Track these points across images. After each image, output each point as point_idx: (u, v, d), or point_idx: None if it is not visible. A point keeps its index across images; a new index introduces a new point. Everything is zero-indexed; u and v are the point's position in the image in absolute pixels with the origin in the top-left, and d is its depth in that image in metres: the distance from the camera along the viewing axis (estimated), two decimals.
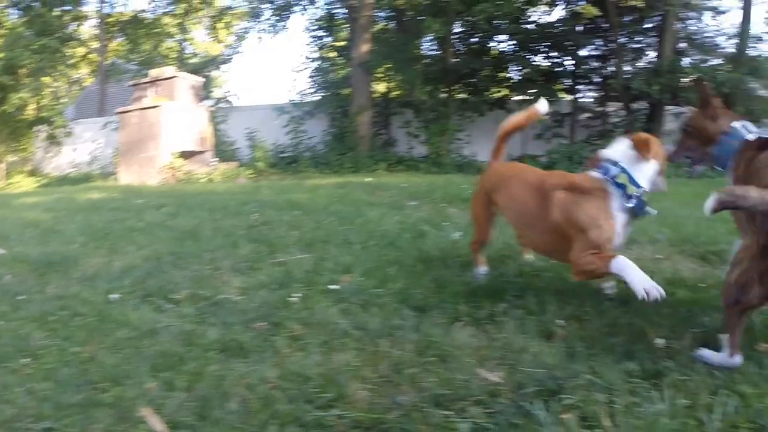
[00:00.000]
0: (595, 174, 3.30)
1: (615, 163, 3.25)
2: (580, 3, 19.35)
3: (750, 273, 2.41)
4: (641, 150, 3.23)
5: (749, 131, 3.03)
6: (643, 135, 3.33)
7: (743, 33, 21.13)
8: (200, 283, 4.05)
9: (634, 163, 3.24)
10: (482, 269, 4.04)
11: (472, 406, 2.21)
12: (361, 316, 3.18)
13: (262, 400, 2.33)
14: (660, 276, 3.75)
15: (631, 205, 3.18)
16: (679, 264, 4.40)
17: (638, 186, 3.19)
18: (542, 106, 3.93)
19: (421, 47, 22.59)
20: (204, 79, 19.41)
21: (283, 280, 3.98)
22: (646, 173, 3.26)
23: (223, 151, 19.74)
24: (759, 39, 22.91)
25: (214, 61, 30.45)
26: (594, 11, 19.17)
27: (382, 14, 24.05)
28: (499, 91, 22.68)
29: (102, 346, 3.00)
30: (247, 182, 14.36)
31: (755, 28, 24.24)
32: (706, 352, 2.57)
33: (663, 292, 2.76)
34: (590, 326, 3.00)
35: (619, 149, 3.35)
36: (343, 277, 3.97)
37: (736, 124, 3.07)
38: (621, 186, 3.18)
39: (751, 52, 21.42)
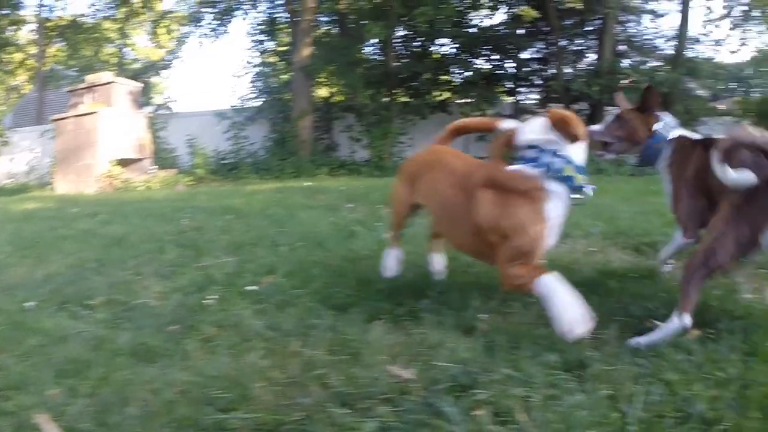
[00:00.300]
0: (528, 169, 2.77)
1: (551, 152, 2.74)
2: (521, 6, 19.55)
3: (722, 238, 2.56)
4: (570, 130, 2.74)
5: (671, 128, 3.40)
6: (564, 112, 2.81)
7: (681, 35, 21.65)
8: (119, 289, 3.93)
9: (562, 145, 2.76)
10: (394, 254, 3.67)
11: (380, 405, 2.12)
12: (277, 316, 3.10)
13: (164, 404, 2.25)
14: (591, 268, 3.76)
15: (583, 196, 2.79)
16: (612, 255, 4.42)
17: (584, 173, 2.78)
18: (507, 124, 3.31)
19: (364, 51, 22.60)
20: (142, 85, 19.08)
21: (203, 283, 3.88)
22: (580, 156, 2.81)
23: (163, 158, 19.36)
24: (696, 40, 23.54)
25: (154, 67, 30.07)
26: (533, 14, 19.41)
27: (325, 18, 24.02)
28: (441, 94, 22.81)
29: (11, 354, 2.87)
30: (186, 189, 14.15)
31: (693, 30, 24.92)
32: (642, 338, 2.60)
33: (590, 326, 2.50)
34: (514, 320, 2.95)
35: (538, 130, 2.83)
36: (265, 279, 3.88)
37: (659, 125, 3.31)
38: (568, 179, 2.72)
39: (689, 53, 22.00)
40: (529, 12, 19.01)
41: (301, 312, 3.15)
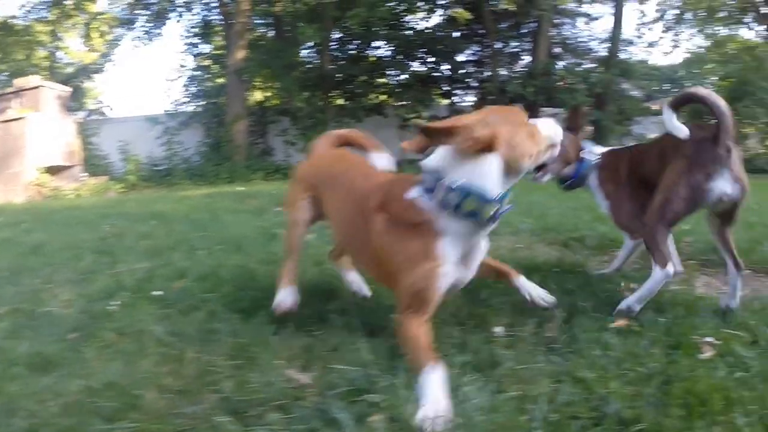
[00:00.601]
0: (424, 202, 2.28)
1: (448, 186, 2.20)
2: (456, 9, 19.73)
3: (675, 187, 2.80)
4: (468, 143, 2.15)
5: (594, 153, 3.61)
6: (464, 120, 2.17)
7: (614, 37, 22.14)
8: (26, 298, 3.79)
9: (463, 170, 2.21)
10: (289, 294, 3.07)
11: (271, 412, 2.04)
12: (180, 322, 3.00)
13: (51, 415, 2.17)
14: (515, 264, 3.75)
15: (493, 226, 2.35)
16: (538, 251, 4.48)
17: (493, 200, 2.22)
18: (383, 161, 3.10)
19: (300, 54, 22.51)
20: (71, 89, 18.56)
21: (112, 290, 3.75)
22: (488, 177, 2.23)
23: (95, 165, 18.93)
24: (630, 43, 24.12)
25: (87, 71, 29.36)
26: (467, 15, 19.59)
27: (260, 21, 23.87)
28: (377, 97, 22.86)
29: None
30: (117, 196, 13.89)
31: (627, 32, 25.51)
32: (630, 299, 2.84)
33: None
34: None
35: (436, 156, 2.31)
36: (175, 283, 3.78)
37: (583, 153, 3.57)
38: (472, 214, 2.21)
39: (623, 55, 22.52)
40: (462, 14, 19.17)
41: (205, 317, 3.06)
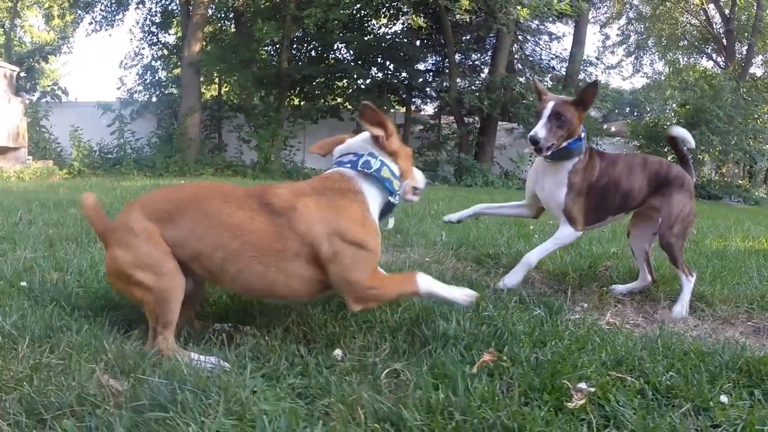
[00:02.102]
0: (344, 170, 2.76)
1: (369, 154, 2.77)
2: (413, 15, 19.64)
3: (686, 211, 3.69)
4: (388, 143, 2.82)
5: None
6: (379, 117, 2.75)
7: (574, 57, 22.28)
8: None
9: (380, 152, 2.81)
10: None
11: (65, 418, 1.88)
12: (32, 316, 2.76)
13: None
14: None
15: (396, 202, 2.84)
16: (446, 265, 4.30)
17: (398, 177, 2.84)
18: None
19: (261, 51, 22.23)
20: (18, 69, 17.97)
21: None
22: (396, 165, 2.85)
23: (44, 148, 18.40)
24: (590, 64, 24.32)
25: (43, 51, 28.60)
26: (420, 22, 19.53)
27: (221, 14, 23.56)
28: (334, 99, 22.68)
29: None
30: (58, 182, 13.44)
31: (590, 54, 25.75)
32: (677, 306, 3.49)
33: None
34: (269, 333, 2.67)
35: (356, 143, 2.87)
36: (52, 275, 3.56)
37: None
38: (386, 181, 2.74)
39: (583, 76, 22.70)
40: (416, 21, 19.08)
41: (59, 312, 2.83)
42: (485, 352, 2.42)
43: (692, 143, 3.83)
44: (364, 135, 2.86)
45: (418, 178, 3.01)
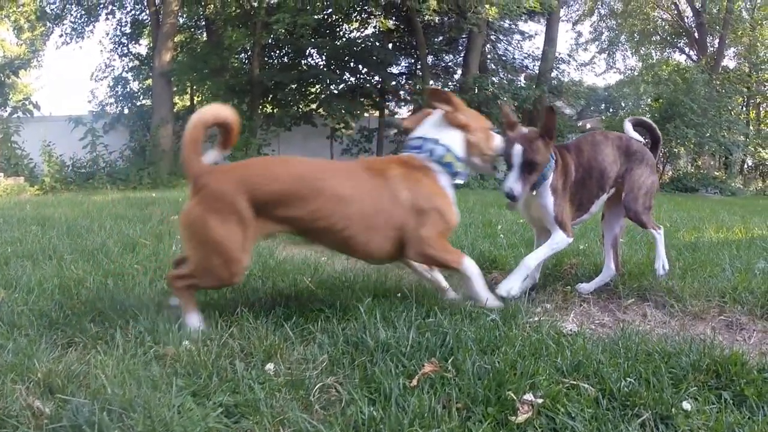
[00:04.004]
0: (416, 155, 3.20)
1: (434, 141, 3.19)
2: (382, 18, 19.55)
3: (650, 183, 3.80)
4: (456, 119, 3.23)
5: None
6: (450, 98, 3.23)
7: (548, 56, 22.30)
8: None
9: (444, 134, 3.21)
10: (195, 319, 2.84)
11: None
12: None
13: None
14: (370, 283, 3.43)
15: (461, 181, 3.29)
16: (406, 270, 4.18)
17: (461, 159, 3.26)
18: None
19: (233, 59, 22.06)
20: None
21: None
22: (459, 144, 3.23)
23: (15, 164, 18.08)
24: (563, 61, 24.36)
25: (12, 65, 28.17)
26: (389, 25, 19.47)
27: (192, 23, 23.38)
28: (307, 106, 22.57)
29: None
30: (28, 198, 13.20)
31: (562, 51, 25.80)
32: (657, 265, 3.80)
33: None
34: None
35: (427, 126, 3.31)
36: (1, 293, 3.41)
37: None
38: (448, 165, 3.18)
39: (556, 74, 22.73)
40: (385, 23, 19.00)
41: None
42: (426, 362, 2.27)
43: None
44: (435, 116, 3.27)
45: (493, 145, 3.33)
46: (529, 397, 1.98)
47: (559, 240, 3.47)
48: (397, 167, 3.06)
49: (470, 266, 3.11)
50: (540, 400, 1.97)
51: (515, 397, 1.97)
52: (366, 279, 3.77)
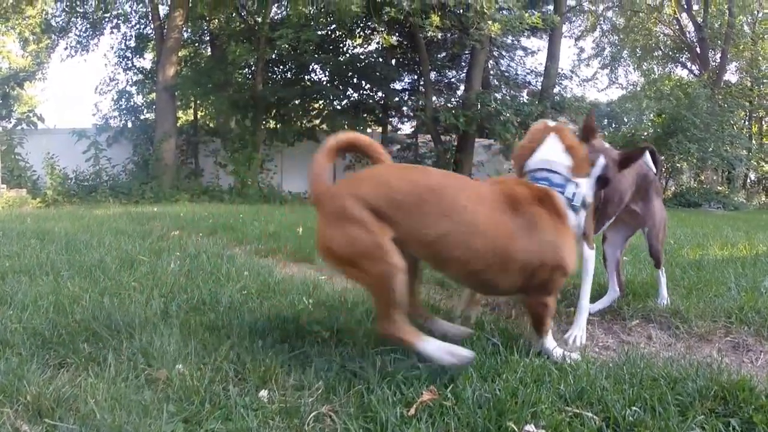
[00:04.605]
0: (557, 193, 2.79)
1: (575, 184, 2.82)
2: (385, 34, 19.55)
3: (662, 213, 3.93)
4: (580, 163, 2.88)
5: None
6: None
7: (551, 72, 22.31)
8: None
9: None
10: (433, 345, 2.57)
11: None
12: None
13: None
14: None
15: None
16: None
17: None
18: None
19: (237, 74, 22.05)
20: None
21: None
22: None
23: (18, 176, 18.08)
24: (566, 77, 24.36)
25: (17, 77, 28.18)
26: (392, 41, 19.46)
27: (196, 37, 23.43)
28: (310, 121, 22.56)
29: None
30: (30, 211, 13.17)
31: (564, 67, 25.82)
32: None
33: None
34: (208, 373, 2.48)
35: (556, 152, 2.87)
36: None
37: None
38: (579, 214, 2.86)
39: (558, 89, 22.73)
40: (388, 39, 18.98)
41: None
42: (425, 390, 2.21)
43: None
44: (556, 146, 2.86)
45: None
46: (530, 427, 1.92)
47: (587, 257, 3.39)
48: (538, 206, 2.68)
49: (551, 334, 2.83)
50: (542, 431, 1.90)
51: (516, 428, 1.91)
52: (366, 300, 3.67)
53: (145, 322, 3.07)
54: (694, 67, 31.25)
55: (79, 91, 69.72)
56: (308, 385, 2.33)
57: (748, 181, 29.04)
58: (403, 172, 2.80)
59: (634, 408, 2.09)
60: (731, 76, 31.02)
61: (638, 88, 31.18)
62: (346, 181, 2.85)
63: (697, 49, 29.93)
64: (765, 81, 29.37)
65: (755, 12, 29.53)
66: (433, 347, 2.48)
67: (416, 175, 2.74)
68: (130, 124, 22.16)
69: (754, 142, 28.76)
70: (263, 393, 2.26)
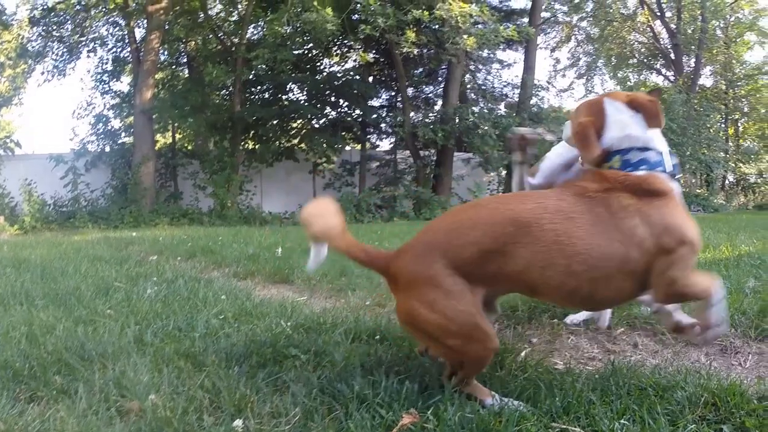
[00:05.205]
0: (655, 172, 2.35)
1: (656, 151, 2.41)
2: (362, 51, 19.59)
3: None
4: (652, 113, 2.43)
5: None
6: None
7: (526, 83, 22.44)
8: None
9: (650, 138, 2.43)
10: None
11: None
12: None
13: None
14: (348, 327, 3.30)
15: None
16: (388, 308, 4.05)
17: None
18: None
19: (216, 95, 22.00)
20: None
21: None
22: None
23: None
24: (542, 88, 24.51)
25: None
26: (368, 58, 19.54)
27: (173, 59, 23.36)
28: (289, 141, 22.56)
29: None
30: (7, 239, 13.00)
31: (541, 78, 25.98)
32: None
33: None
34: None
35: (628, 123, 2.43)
36: None
37: None
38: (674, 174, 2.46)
39: (535, 100, 22.86)
40: (364, 56, 19.05)
41: None
42: (405, 413, 2.12)
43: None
44: (623, 114, 2.43)
45: None
46: None
47: None
48: (627, 196, 2.28)
49: (720, 289, 2.32)
50: None
51: None
52: (344, 321, 3.59)
53: (118, 352, 2.98)
54: (669, 73, 31.59)
55: (57, 116, 69.28)
56: (285, 412, 2.23)
57: (727, 182, 29.34)
58: (473, 213, 2.46)
59: (622, 421, 2.03)
60: (706, 80, 31.45)
61: None
62: (424, 237, 2.46)
63: (672, 55, 30.25)
64: (739, 84, 29.73)
65: (727, 16, 29.93)
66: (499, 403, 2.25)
67: (491, 212, 2.39)
68: (108, 149, 21.92)
69: (730, 144, 29.10)
70: (238, 422, 2.16)
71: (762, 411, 2.12)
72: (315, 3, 17.06)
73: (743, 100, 31.33)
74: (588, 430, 1.98)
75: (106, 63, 24.03)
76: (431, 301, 2.22)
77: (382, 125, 24.01)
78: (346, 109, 23.10)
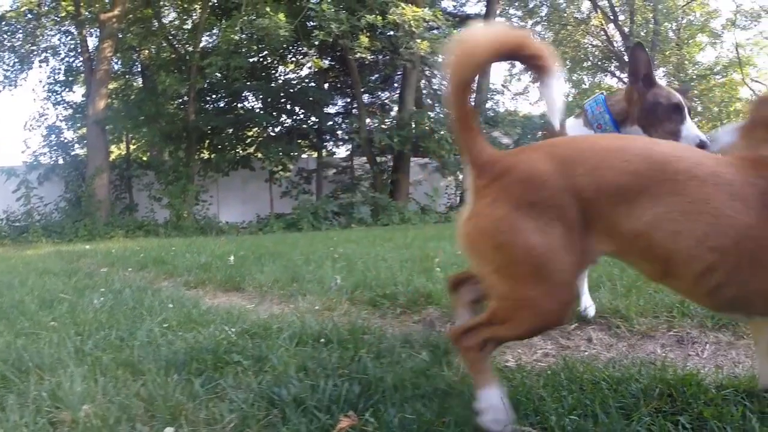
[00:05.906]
0: None
1: None
2: (315, 57, 19.52)
3: None
4: None
5: None
6: None
7: (480, 87, 22.52)
8: None
9: None
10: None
11: None
12: None
13: None
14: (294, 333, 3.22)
15: None
16: (339, 311, 3.96)
17: None
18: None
19: (170, 105, 21.72)
20: None
21: None
22: None
23: None
24: (497, 92, 24.65)
25: None
26: (322, 64, 19.53)
27: (126, 69, 23.07)
28: (245, 150, 22.41)
29: None
30: None
31: (495, 81, 26.15)
32: None
33: None
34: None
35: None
36: None
37: None
38: None
39: (491, 104, 22.96)
40: (318, 63, 19.03)
41: None
42: (343, 416, 2.03)
43: None
44: None
45: None
46: None
47: None
48: None
49: None
50: None
51: None
52: (290, 325, 3.47)
53: (56, 363, 2.85)
54: (623, 75, 31.98)
55: (8, 127, 67.69)
56: (221, 419, 2.14)
57: None
58: (621, 144, 1.99)
59: (572, 416, 1.97)
60: (660, 81, 31.89)
61: (570, 99, 31.78)
62: (551, 149, 1.96)
63: (625, 58, 30.65)
64: (693, 84, 30.25)
65: (679, 18, 30.48)
66: (495, 399, 1.91)
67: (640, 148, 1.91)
68: (61, 161, 21.51)
69: None
70: (168, 430, 2.07)
71: (720, 400, 2.06)
72: (268, 9, 16.99)
73: (696, 100, 31.88)
74: (537, 428, 1.91)
75: (59, 73, 23.59)
76: (531, 224, 1.78)
77: (339, 132, 24.00)
78: (301, 116, 23.05)
